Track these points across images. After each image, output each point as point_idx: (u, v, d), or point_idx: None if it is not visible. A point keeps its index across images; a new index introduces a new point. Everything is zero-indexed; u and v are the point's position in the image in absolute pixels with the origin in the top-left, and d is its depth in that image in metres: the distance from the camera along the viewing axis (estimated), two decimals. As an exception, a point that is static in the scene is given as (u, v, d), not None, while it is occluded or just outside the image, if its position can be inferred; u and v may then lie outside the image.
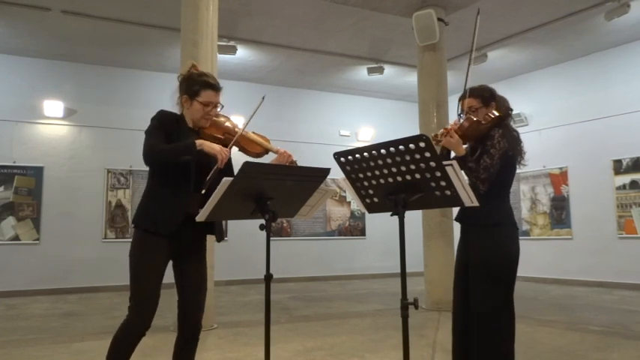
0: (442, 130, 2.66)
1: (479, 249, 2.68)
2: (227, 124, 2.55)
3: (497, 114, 2.73)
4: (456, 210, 2.83)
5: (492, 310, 2.61)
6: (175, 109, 2.56)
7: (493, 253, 2.64)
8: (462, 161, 2.57)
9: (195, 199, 2.37)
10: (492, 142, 2.62)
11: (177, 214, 2.33)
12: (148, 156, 2.30)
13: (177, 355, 2.47)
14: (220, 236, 2.58)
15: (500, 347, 2.61)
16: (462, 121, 2.70)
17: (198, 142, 2.31)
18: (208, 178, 2.35)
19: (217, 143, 2.44)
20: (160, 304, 2.42)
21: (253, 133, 2.57)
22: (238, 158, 2.57)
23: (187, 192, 2.37)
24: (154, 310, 2.32)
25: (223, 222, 10.02)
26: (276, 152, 2.54)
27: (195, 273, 2.49)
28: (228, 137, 2.50)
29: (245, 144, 2.51)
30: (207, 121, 2.47)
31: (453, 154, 2.74)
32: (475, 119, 2.68)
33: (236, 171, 2.06)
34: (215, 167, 2.34)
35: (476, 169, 2.59)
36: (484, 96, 2.79)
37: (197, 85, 2.43)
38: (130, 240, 2.42)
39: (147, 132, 2.37)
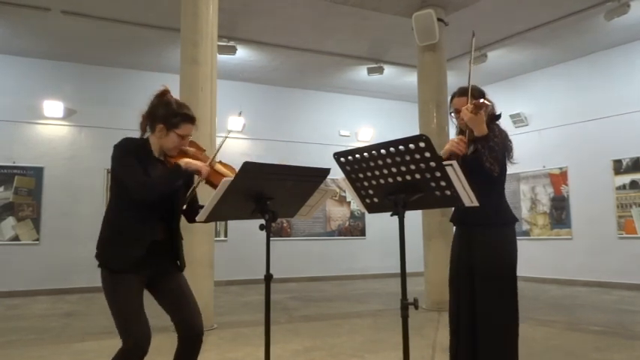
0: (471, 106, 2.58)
1: (489, 249, 2.69)
2: (196, 154, 2.47)
3: (495, 112, 2.74)
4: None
5: (505, 308, 2.65)
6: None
7: (503, 251, 2.69)
8: (483, 140, 2.56)
9: (160, 228, 2.34)
10: (494, 133, 2.64)
11: (141, 248, 2.26)
12: (140, 193, 2.22)
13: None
14: (183, 264, 2.47)
15: (511, 345, 2.65)
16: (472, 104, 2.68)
17: (182, 161, 2.29)
18: (188, 193, 2.33)
19: None
20: (156, 304, 2.41)
21: (220, 163, 2.49)
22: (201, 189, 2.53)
23: (152, 222, 2.31)
24: (148, 336, 2.24)
25: (223, 222, 10.10)
26: None
27: (177, 287, 2.40)
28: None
29: (211, 177, 2.41)
30: (177, 150, 2.41)
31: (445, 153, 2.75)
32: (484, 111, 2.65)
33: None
34: (198, 181, 2.35)
35: (494, 149, 2.58)
36: (475, 96, 2.83)
37: (178, 117, 2.37)
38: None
39: (122, 165, 2.28)
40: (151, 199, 2.26)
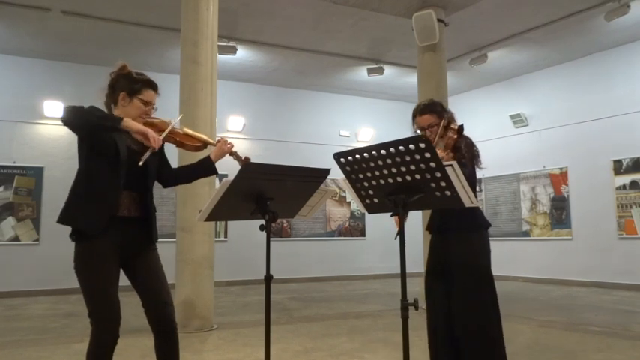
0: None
1: (467, 253, 2.73)
2: (161, 122, 2.49)
3: (457, 127, 2.74)
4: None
5: (485, 308, 2.68)
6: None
7: (480, 254, 2.75)
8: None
9: (128, 198, 2.31)
10: (461, 153, 2.69)
11: (104, 214, 2.22)
12: (70, 108, 2.20)
13: (160, 358, 2.37)
14: (156, 236, 2.44)
15: (494, 342, 2.67)
16: (444, 138, 2.71)
17: (125, 119, 2.23)
18: (142, 159, 2.24)
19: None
20: (140, 297, 2.38)
21: (189, 130, 2.56)
22: (176, 154, 2.52)
23: (116, 190, 2.26)
24: (118, 320, 2.21)
25: (223, 222, 10.10)
26: (215, 145, 2.55)
27: (150, 271, 2.36)
28: (163, 137, 2.44)
29: (182, 139, 2.49)
30: (142, 120, 2.41)
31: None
32: (455, 137, 2.69)
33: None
34: (149, 150, 2.26)
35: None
36: (438, 111, 2.87)
37: (138, 83, 2.40)
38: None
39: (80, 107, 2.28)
40: (74, 123, 2.22)
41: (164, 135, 2.38)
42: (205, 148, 2.61)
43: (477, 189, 11.16)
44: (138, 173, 2.31)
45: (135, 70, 2.46)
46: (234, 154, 2.55)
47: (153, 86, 2.45)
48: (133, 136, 2.32)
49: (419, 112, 2.90)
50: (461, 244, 2.75)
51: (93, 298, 2.21)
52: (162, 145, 2.40)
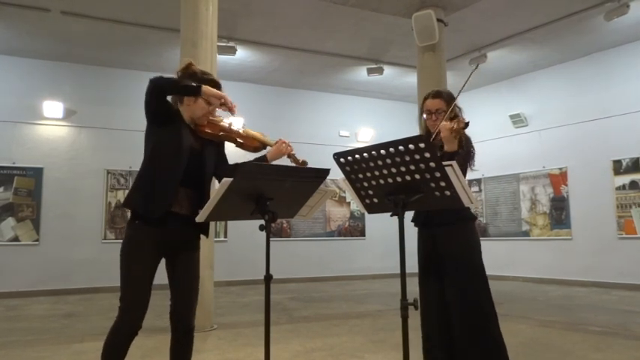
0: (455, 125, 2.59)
1: (458, 245, 2.74)
2: (223, 123, 2.59)
3: (466, 120, 2.73)
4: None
5: (482, 299, 2.70)
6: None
7: (471, 245, 2.77)
8: (450, 155, 2.59)
9: (183, 194, 2.38)
10: (462, 147, 2.69)
11: (160, 207, 2.31)
12: (154, 81, 2.33)
13: (173, 355, 2.47)
14: (208, 232, 2.56)
15: (493, 335, 2.67)
16: (454, 123, 2.69)
17: (204, 87, 2.36)
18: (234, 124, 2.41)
19: (214, 141, 2.54)
20: (158, 305, 2.42)
21: (249, 130, 2.63)
22: (236, 153, 2.61)
23: (173, 187, 2.35)
24: (144, 310, 2.31)
25: (223, 222, 10.10)
26: (272, 145, 2.62)
27: (185, 272, 2.45)
28: (224, 135, 2.55)
29: (242, 139, 2.56)
30: (206, 119, 2.51)
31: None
32: (462, 126, 2.66)
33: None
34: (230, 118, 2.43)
35: (458, 163, 2.64)
36: (449, 100, 2.88)
37: (204, 83, 2.46)
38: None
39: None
40: (155, 86, 2.33)
41: (229, 137, 2.51)
42: (264, 148, 2.66)
43: (477, 189, 11.17)
44: (196, 171, 2.41)
45: (200, 69, 2.56)
46: (291, 156, 2.61)
47: (217, 86, 2.53)
48: (197, 134, 2.47)
49: (431, 95, 2.92)
50: (450, 239, 2.75)
51: (127, 283, 2.31)
52: (223, 143, 2.53)
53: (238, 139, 2.56)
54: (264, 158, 2.62)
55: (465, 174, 2.74)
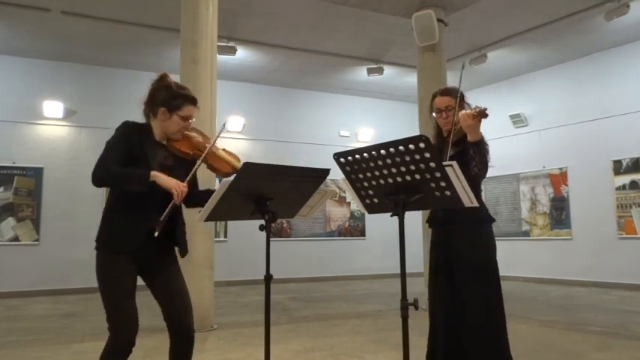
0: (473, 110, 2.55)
1: (473, 247, 2.71)
2: (198, 139, 2.46)
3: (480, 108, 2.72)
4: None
5: (494, 303, 2.67)
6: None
7: (487, 249, 2.75)
8: (475, 146, 2.58)
9: (157, 219, 2.27)
10: (483, 138, 2.68)
11: (137, 235, 2.25)
12: (97, 171, 2.18)
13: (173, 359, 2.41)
14: (184, 249, 2.46)
15: (502, 340, 2.66)
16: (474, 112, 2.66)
17: (153, 174, 2.20)
18: (163, 216, 2.21)
19: (185, 159, 2.40)
20: (154, 304, 2.40)
21: (224, 150, 2.47)
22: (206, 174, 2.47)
23: (147, 218, 2.26)
24: (135, 327, 2.24)
25: (223, 222, 10.10)
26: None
27: (166, 284, 2.37)
28: (196, 154, 2.40)
29: (214, 162, 2.41)
30: (181, 134, 2.41)
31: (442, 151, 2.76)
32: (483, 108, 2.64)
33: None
34: (172, 203, 2.22)
35: (484, 154, 2.63)
36: (455, 96, 2.85)
37: (179, 99, 2.37)
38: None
39: (108, 143, 2.26)
40: (103, 186, 2.23)
41: (199, 163, 2.35)
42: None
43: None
44: (165, 198, 2.25)
45: (175, 82, 2.43)
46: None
47: (193, 102, 2.42)
48: (168, 149, 2.36)
49: (439, 93, 2.91)
50: (466, 240, 2.72)
51: (111, 307, 2.24)
52: (197, 163, 2.38)
53: (209, 162, 2.40)
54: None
55: (487, 166, 2.71)
